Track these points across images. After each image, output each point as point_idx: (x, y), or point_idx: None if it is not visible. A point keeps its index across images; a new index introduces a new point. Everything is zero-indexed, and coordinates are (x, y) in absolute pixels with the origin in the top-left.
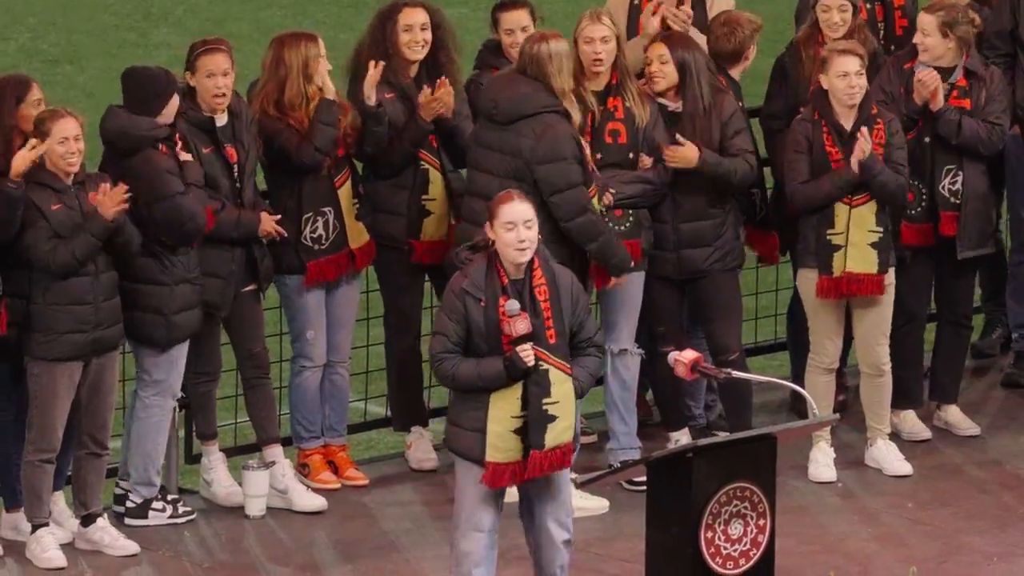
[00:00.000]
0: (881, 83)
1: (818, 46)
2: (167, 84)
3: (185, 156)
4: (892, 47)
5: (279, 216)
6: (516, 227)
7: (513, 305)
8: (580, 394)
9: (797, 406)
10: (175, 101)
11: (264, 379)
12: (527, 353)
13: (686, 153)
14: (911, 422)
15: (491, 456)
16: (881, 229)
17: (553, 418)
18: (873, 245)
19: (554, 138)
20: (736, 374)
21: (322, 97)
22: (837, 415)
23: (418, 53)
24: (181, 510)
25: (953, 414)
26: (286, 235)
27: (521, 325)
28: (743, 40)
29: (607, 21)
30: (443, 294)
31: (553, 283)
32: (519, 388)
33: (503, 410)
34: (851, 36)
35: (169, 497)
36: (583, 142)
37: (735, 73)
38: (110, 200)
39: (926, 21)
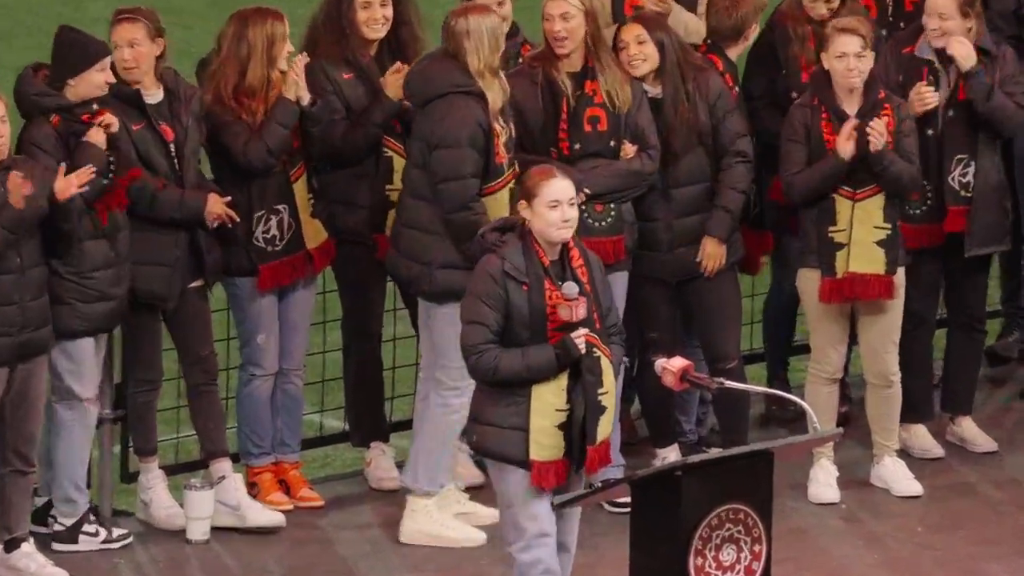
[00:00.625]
0: (877, 71)
1: (806, 23)
2: (86, 56)
3: (96, 137)
4: (902, 24)
5: (229, 198)
6: (560, 205)
7: (572, 288)
8: None
9: (775, 412)
10: (94, 76)
11: (212, 386)
12: (581, 339)
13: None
14: (922, 437)
15: (536, 454)
16: (889, 226)
17: (604, 409)
18: (880, 243)
19: (455, 121)
20: (729, 384)
21: (281, 95)
22: (840, 429)
23: (378, 31)
24: (116, 534)
25: (968, 428)
26: (238, 220)
27: (582, 309)
28: (745, 16)
29: None
30: (474, 279)
31: (588, 263)
32: (563, 379)
33: (548, 403)
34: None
35: (102, 519)
36: (496, 130)
37: (733, 54)
38: (16, 189)
39: (943, 4)
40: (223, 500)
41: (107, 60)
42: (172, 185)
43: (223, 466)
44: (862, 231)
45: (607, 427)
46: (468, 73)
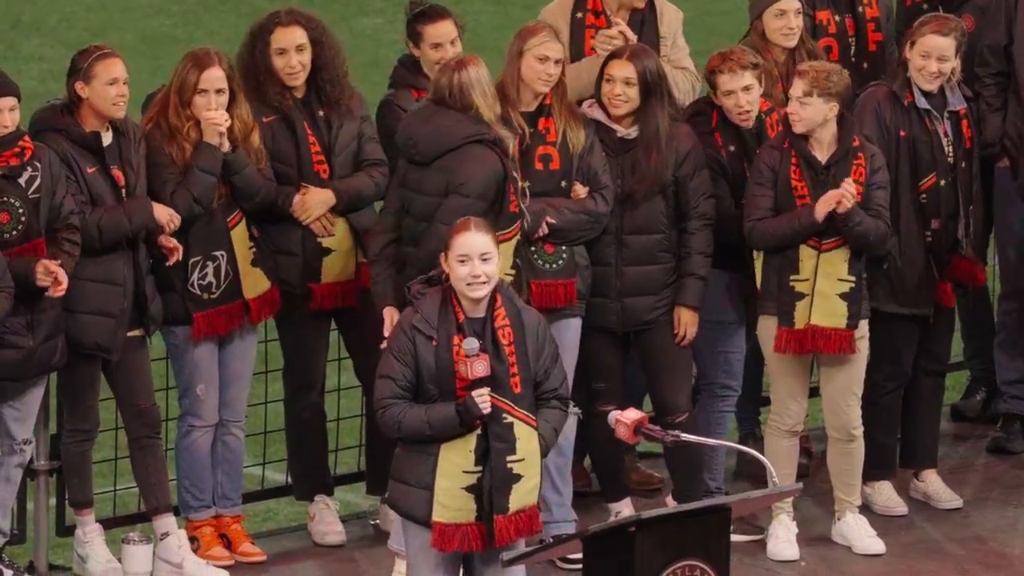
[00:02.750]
0: (879, 115)
1: (772, 59)
2: None
3: None
4: (865, 64)
5: (178, 247)
6: (470, 260)
7: (472, 344)
8: (543, 452)
9: (745, 470)
10: None
11: (155, 439)
12: (484, 399)
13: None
14: (885, 494)
15: (438, 515)
16: (853, 278)
17: (518, 477)
18: (843, 296)
19: (469, 171)
20: (685, 437)
21: (202, 140)
22: (799, 484)
23: (296, 79)
24: None
25: (933, 484)
26: (180, 252)
27: (479, 367)
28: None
29: (562, 39)
30: (391, 333)
31: (519, 324)
32: (473, 440)
33: (454, 464)
34: (799, 52)
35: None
36: (513, 177)
37: None
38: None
39: (945, 45)
40: (166, 558)
41: (6, 101)
42: (112, 206)
43: (166, 522)
44: (826, 283)
45: (526, 496)
46: (479, 121)
